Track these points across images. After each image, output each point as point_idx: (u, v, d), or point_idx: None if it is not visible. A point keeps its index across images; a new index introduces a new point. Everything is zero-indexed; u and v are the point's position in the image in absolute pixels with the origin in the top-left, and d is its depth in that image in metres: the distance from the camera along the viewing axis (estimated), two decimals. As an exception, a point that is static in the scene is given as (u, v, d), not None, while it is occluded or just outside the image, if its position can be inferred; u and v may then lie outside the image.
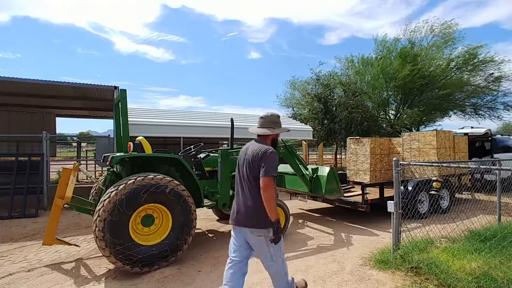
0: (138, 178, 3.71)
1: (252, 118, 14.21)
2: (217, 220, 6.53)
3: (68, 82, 8.50)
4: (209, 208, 5.43)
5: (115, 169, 4.68)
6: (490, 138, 10.37)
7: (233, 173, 5.08)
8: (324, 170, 5.78)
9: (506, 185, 6.07)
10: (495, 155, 9.67)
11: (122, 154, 4.22)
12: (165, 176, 3.94)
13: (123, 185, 3.61)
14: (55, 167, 12.67)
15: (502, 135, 11.72)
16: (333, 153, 18.42)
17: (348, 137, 8.23)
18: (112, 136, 9.29)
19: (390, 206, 3.95)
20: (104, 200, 3.54)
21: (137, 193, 3.63)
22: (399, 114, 18.71)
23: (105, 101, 10.95)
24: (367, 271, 3.80)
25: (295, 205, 7.92)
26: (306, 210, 7.62)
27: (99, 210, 3.51)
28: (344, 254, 4.45)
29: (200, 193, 4.62)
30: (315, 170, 5.88)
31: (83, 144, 19.16)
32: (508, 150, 10.39)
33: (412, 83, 16.14)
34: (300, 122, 15.93)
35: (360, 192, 6.16)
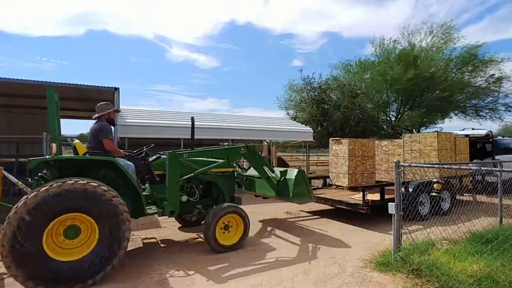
0: (54, 185, 3.28)
1: (243, 118, 14.21)
2: (179, 228, 5.91)
3: (69, 83, 8.52)
4: (159, 216, 4.76)
5: (43, 174, 4.09)
6: (491, 140, 10.34)
7: (185, 177, 4.64)
8: (292, 173, 5.47)
9: (508, 187, 6.04)
10: (497, 157, 9.64)
11: (43, 157, 3.84)
12: (90, 181, 3.50)
13: (35, 193, 3.21)
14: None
15: (503, 136, 11.69)
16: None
17: (330, 138, 8.05)
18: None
19: (391, 208, 3.94)
20: (13, 210, 3.15)
21: (53, 201, 3.22)
22: (400, 116, 18.72)
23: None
24: (368, 273, 3.78)
25: (295, 206, 7.89)
26: (306, 212, 7.60)
27: (6, 221, 3.09)
28: (344, 256, 4.43)
29: (141, 199, 4.13)
30: (283, 173, 5.56)
31: (83, 145, 19.11)
32: (509, 152, 10.36)
33: (415, 86, 16.14)
34: (301, 124, 15.96)
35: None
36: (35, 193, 3.22)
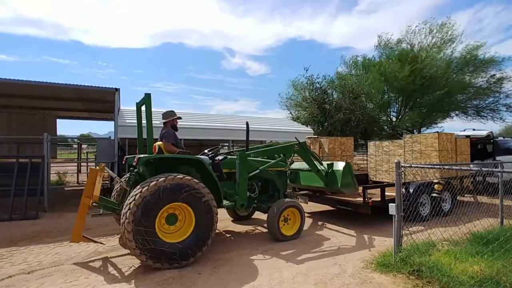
0: (169, 177, 3.91)
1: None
2: (232, 221, 6.62)
3: (69, 84, 8.51)
4: (227, 209, 5.55)
5: (138, 170, 4.77)
6: (492, 140, 10.32)
7: (251, 174, 5.24)
8: (339, 165, 6.02)
9: (509, 188, 6.03)
10: (497, 158, 9.62)
11: (148, 155, 4.41)
12: (192, 177, 4.13)
13: (154, 182, 3.81)
14: (55, 168, 12.68)
15: (504, 137, 11.67)
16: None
17: (306, 137, 8.03)
18: (112, 138, 9.29)
19: (392, 208, 3.93)
20: (136, 195, 3.72)
21: (168, 190, 3.84)
22: (400, 116, 18.69)
23: (106, 103, 10.96)
24: (368, 274, 3.77)
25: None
26: (307, 212, 7.59)
27: (128, 208, 3.68)
28: (345, 256, 4.42)
29: (220, 194, 4.73)
30: (330, 165, 6.10)
31: (83, 146, 19.17)
32: (510, 153, 10.33)
33: (413, 84, 16.10)
34: (301, 124, 15.95)
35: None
36: (154, 182, 3.81)
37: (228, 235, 5.61)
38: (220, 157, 5.44)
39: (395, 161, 4.10)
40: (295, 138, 6.08)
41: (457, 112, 18.82)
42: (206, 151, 5.55)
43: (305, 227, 6.15)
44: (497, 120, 18.30)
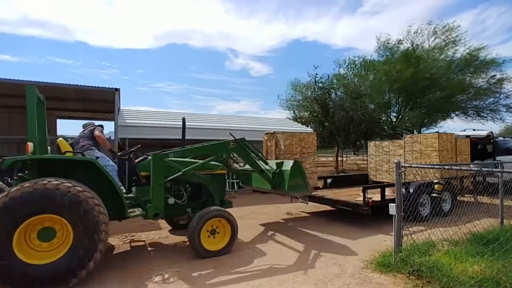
0: (26, 185, 3.18)
1: (246, 119, 14.20)
2: (169, 231, 5.81)
3: (70, 84, 8.53)
4: (144, 218, 4.60)
5: (23, 175, 3.92)
6: (492, 141, 10.32)
7: (169, 178, 4.49)
8: (288, 164, 5.27)
9: (509, 188, 6.02)
10: (498, 158, 9.62)
11: (17, 156, 3.70)
12: (65, 181, 3.37)
13: (5, 194, 3.12)
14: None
15: (504, 137, 11.67)
16: (334, 155, 18.36)
17: (264, 133, 7.57)
18: (112, 138, 9.31)
19: (392, 208, 3.93)
20: None
21: (24, 202, 3.11)
22: (400, 116, 18.69)
23: (106, 103, 10.99)
24: (368, 274, 3.77)
25: (296, 207, 7.89)
26: (307, 213, 7.59)
27: None
28: (345, 257, 4.42)
29: (122, 201, 4.03)
30: (279, 165, 5.37)
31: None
32: (510, 153, 10.33)
33: (414, 85, 16.08)
34: (301, 124, 15.95)
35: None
36: (5, 193, 3.11)
37: (150, 249, 5.01)
38: (140, 158, 4.85)
39: (395, 161, 4.10)
40: (229, 133, 5.33)
41: (457, 112, 18.82)
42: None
43: (306, 227, 6.16)
44: (497, 120, 18.31)
